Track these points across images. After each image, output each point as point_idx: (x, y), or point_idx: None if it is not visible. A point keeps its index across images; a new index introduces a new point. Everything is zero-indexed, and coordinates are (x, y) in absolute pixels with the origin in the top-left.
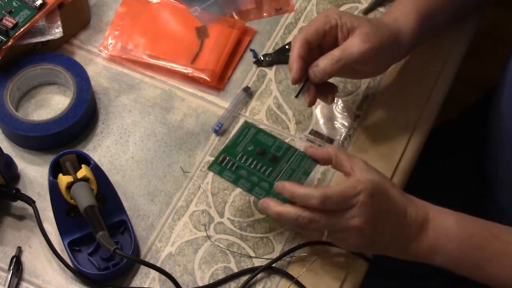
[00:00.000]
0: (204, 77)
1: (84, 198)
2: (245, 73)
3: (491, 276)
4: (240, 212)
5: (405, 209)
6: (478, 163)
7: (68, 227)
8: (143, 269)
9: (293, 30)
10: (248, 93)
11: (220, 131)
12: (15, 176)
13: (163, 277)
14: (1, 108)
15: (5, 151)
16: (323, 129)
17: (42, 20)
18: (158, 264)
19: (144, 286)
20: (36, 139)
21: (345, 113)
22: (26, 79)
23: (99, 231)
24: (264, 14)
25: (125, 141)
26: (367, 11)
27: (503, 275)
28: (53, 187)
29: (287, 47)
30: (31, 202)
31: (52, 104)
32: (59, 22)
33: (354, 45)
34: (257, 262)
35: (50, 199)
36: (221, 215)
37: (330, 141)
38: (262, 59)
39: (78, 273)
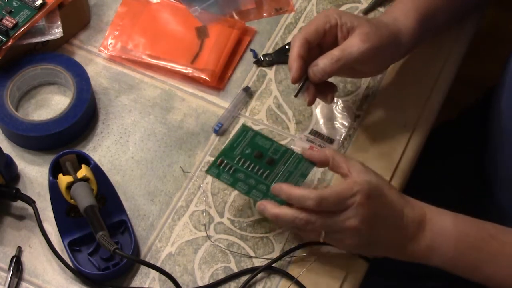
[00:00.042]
0: (204, 77)
1: (84, 198)
2: (245, 73)
3: (488, 276)
4: (240, 212)
5: (402, 210)
6: (478, 163)
7: (68, 227)
8: (143, 269)
9: (293, 30)
10: (248, 93)
11: (220, 131)
12: (15, 176)
13: (163, 277)
14: (1, 108)
15: (5, 151)
16: (323, 129)
17: (42, 20)
18: (158, 264)
19: (144, 286)
20: (36, 139)
21: (345, 113)
22: (26, 79)
23: (99, 231)
24: (264, 14)
25: (125, 141)
26: (367, 11)
27: (499, 275)
28: (53, 187)
29: (287, 47)
30: (31, 202)
31: (52, 104)
32: (59, 22)
33: (353, 44)
34: (257, 262)
35: (50, 199)
36: (221, 215)
37: (330, 141)
38: (262, 59)
39: (78, 273)
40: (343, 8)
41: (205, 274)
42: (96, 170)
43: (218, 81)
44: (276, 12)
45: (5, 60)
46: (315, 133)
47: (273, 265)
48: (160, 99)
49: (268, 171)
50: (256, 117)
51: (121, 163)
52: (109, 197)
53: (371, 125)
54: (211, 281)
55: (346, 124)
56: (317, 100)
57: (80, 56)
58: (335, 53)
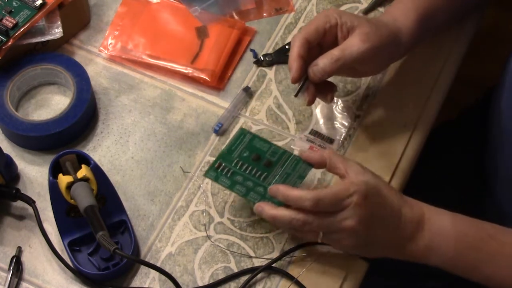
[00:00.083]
0: (204, 77)
1: (84, 198)
2: (245, 73)
3: (487, 276)
4: (240, 212)
5: (400, 210)
6: (478, 163)
7: (68, 227)
8: (143, 269)
9: (293, 30)
10: (248, 93)
11: (220, 131)
12: (15, 176)
13: (163, 277)
14: (1, 108)
15: (5, 151)
16: (323, 129)
17: (42, 20)
18: (158, 264)
19: (144, 286)
20: (36, 139)
21: (345, 113)
22: (26, 79)
23: (99, 231)
24: (264, 14)
25: (125, 141)
26: (367, 11)
27: (499, 275)
28: (53, 187)
29: (287, 47)
30: (31, 202)
31: (52, 104)
32: (59, 22)
33: (353, 44)
34: (257, 262)
35: (50, 199)
36: (221, 215)
37: (330, 141)
38: (262, 59)
39: (78, 273)
40: (343, 8)
41: (205, 274)
42: (96, 170)
43: (218, 81)
44: (276, 12)
45: (5, 60)
46: (315, 133)
47: (273, 265)
48: (160, 99)
49: (266, 173)
50: (256, 117)
51: (121, 163)
52: (109, 197)
53: (371, 125)
54: (211, 281)
55: (346, 124)
56: (317, 100)
57: (80, 56)
58: (335, 52)
